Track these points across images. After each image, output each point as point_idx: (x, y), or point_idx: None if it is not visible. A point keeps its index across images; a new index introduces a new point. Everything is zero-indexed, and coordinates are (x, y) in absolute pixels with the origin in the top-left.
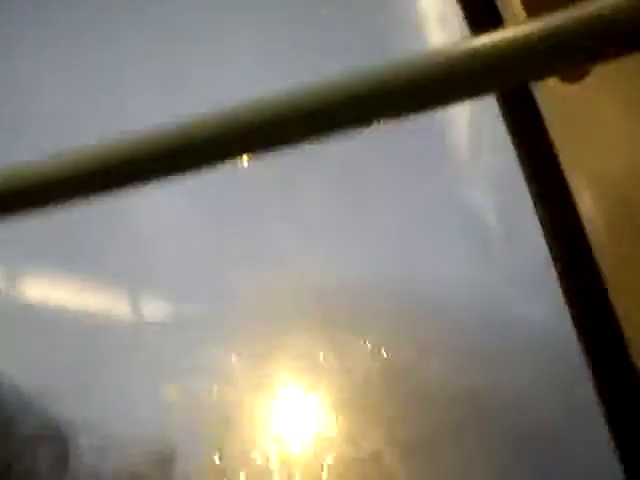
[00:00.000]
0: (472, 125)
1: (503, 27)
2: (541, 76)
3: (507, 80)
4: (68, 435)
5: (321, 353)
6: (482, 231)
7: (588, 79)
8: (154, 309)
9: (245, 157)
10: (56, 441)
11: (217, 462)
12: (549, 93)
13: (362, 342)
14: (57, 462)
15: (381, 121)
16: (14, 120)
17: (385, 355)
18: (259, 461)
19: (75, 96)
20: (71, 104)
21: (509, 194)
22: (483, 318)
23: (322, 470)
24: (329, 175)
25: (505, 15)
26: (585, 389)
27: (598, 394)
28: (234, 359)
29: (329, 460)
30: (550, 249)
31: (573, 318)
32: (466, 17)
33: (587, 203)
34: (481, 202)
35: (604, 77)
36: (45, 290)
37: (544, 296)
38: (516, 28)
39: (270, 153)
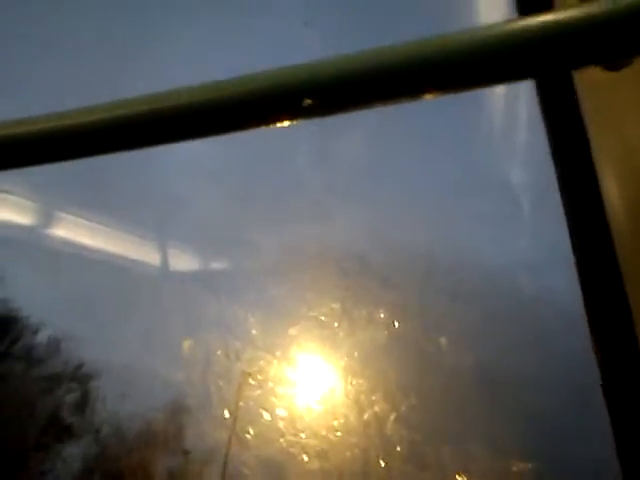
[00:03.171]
0: (507, 101)
1: (552, 10)
2: (585, 64)
3: (550, 65)
4: (89, 377)
5: (335, 320)
6: (512, 207)
7: (628, 69)
8: (180, 261)
9: (277, 123)
10: (78, 382)
11: (227, 416)
12: (587, 79)
13: (377, 313)
14: (78, 403)
15: (421, 95)
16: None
17: (397, 326)
18: (267, 419)
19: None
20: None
21: (543, 169)
22: (505, 298)
23: (328, 432)
24: (364, 142)
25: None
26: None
27: (603, 381)
28: (252, 319)
29: (335, 422)
30: (570, 235)
31: (585, 303)
32: None
33: (612, 193)
34: (514, 177)
35: None
36: (77, 233)
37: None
38: (565, 12)
39: (303, 120)
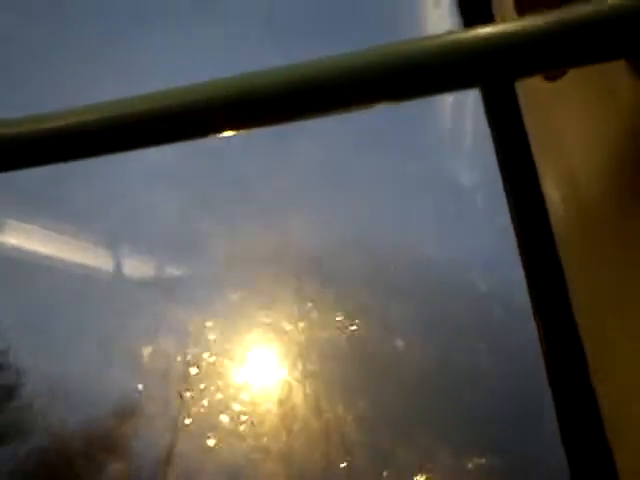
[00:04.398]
0: (455, 108)
1: (494, 23)
2: (525, 74)
3: (490, 76)
4: (37, 389)
5: (292, 324)
6: (462, 207)
7: (566, 79)
8: (135, 269)
9: (231, 131)
10: (20, 396)
11: (187, 423)
12: (528, 87)
13: (333, 316)
14: (20, 419)
15: (369, 105)
16: None
17: (354, 329)
18: (228, 424)
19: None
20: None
21: (490, 171)
22: (458, 296)
23: (287, 435)
24: (316, 148)
25: (497, 13)
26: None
27: (548, 375)
28: (209, 324)
29: (294, 426)
30: (516, 234)
31: (531, 298)
32: (460, 11)
33: (552, 194)
34: (465, 177)
35: (582, 77)
36: (30, 240)
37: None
38: (505, 25)
39: (254, 128)
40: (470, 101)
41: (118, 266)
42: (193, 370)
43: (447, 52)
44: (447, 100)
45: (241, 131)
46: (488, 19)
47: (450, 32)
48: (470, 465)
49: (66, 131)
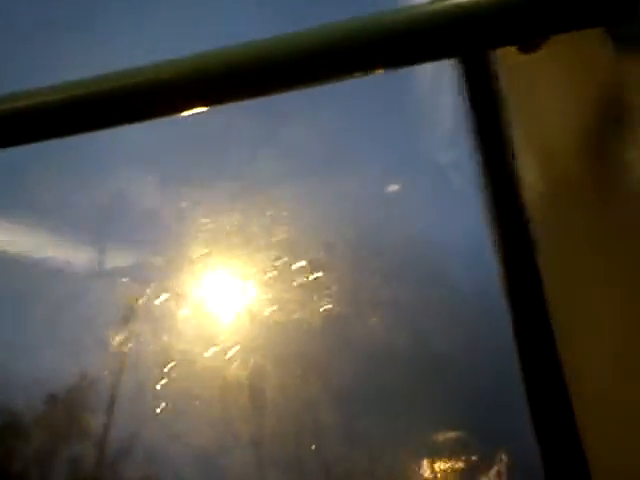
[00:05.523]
0: (433, 87)
1: None
2: (501, 44)
3: (467, 45)
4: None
5: (269, 308)
6: (446, 189)
7: (544, 50)
8: (111, 258)
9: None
10: None
11: (158, 412)
12: (506, 61)
13: (309, 297)
14: None
15: (345, 76)
16: None
17: (329, 309)
18: (201, 408)
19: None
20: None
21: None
22: (435, 278)
23: (262, 419)
24: (294, 129)
25: None
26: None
27: (520, 359)
28: (183, 311)
29: (267, 408)
30: (488, 214)
31: (504, 287)
32: None
33: (530, 172)
34: (446, 158)
35: (559, 50)
36: (6, 234)
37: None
38: None
39: (224, 103)
40: (447, 78)
41: (91, 255)
42: (165, 357)
43: (422, 22)
44: (428, 77)
45: (214, 106)
46: None
47: (427, 3)
48: (441, 439)
49: (34, 110)
